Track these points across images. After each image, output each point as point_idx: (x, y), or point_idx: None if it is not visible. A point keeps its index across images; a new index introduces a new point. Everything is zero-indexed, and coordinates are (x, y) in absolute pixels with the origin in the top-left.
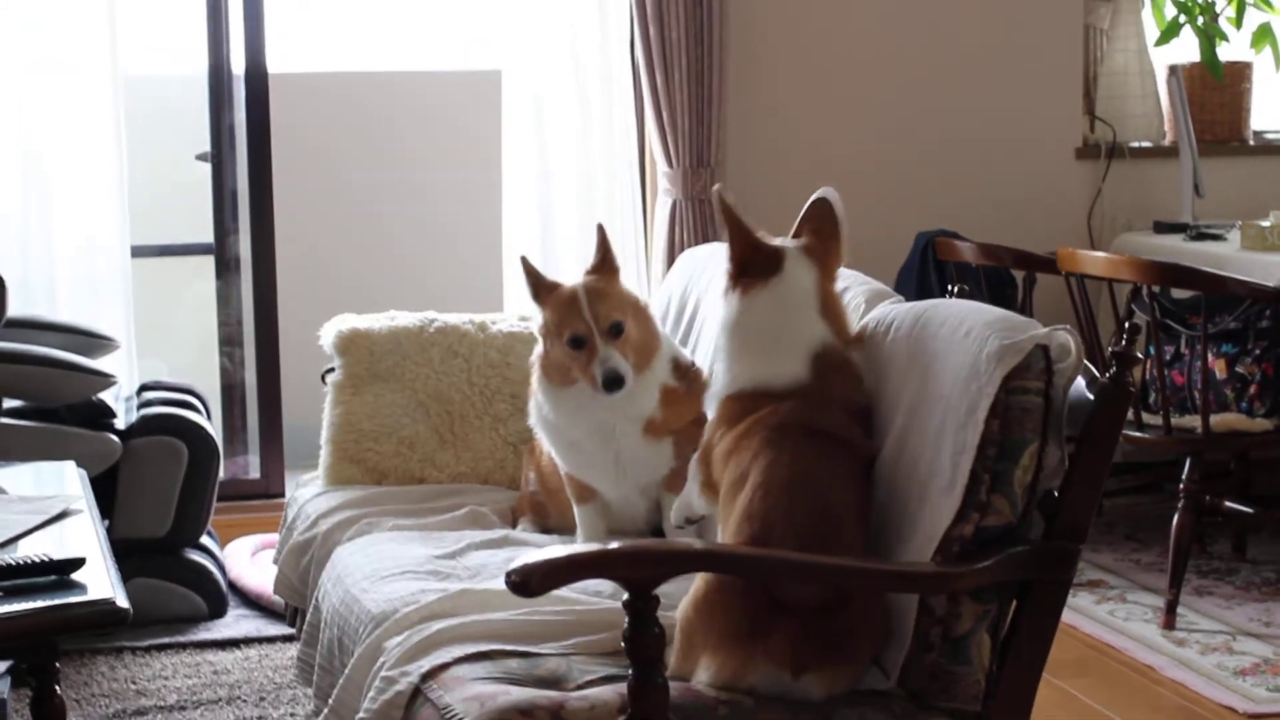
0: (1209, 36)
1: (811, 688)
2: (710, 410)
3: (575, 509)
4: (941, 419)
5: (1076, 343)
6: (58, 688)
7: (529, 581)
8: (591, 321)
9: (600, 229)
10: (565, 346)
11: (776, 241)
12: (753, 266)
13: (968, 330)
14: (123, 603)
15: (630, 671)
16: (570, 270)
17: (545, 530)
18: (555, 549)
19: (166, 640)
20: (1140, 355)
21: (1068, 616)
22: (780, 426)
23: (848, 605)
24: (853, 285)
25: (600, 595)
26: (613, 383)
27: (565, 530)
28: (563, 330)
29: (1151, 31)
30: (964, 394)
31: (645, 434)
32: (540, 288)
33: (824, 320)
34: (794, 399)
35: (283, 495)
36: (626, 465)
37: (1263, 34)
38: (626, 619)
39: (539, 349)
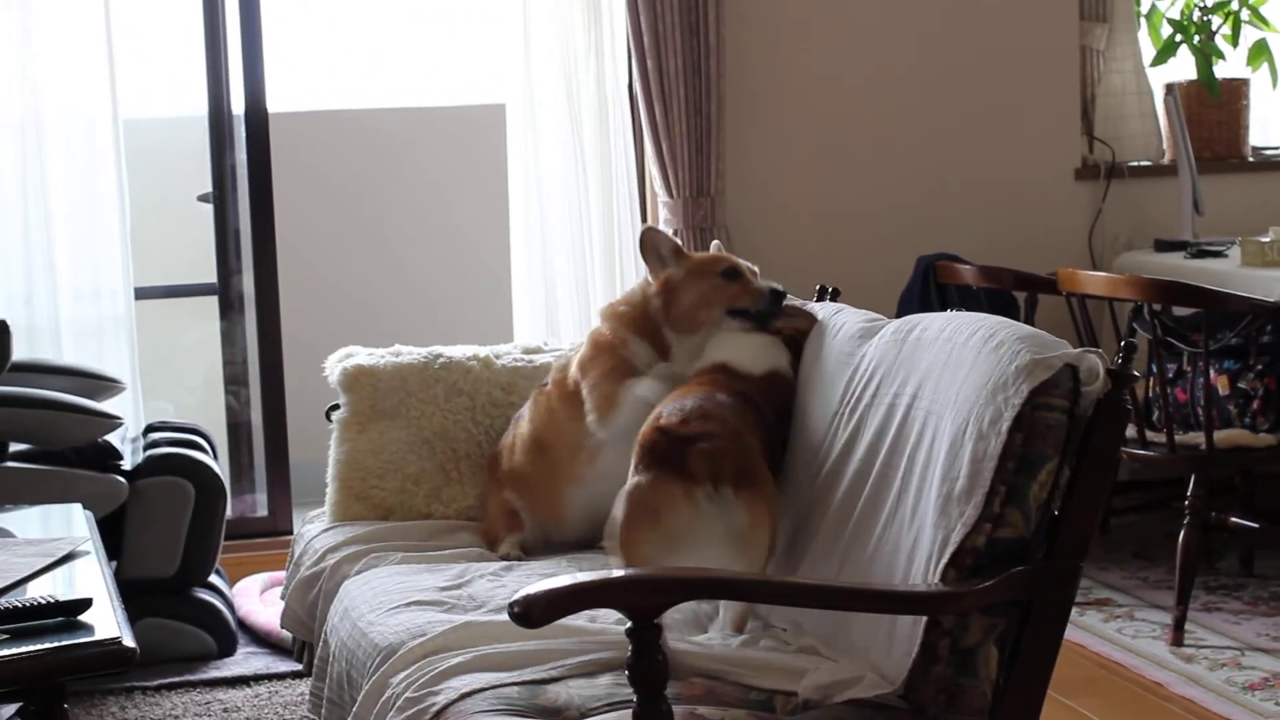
0: (1205, 55)
1: (734, 507)
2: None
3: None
4: (963, 425)
5: (1106, 367)
6: None
7: (531, 612)
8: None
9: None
10: (717, 278)
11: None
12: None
13: (999, 342)
14: (129, 643)
15: (634, 699)
16: (569, 302)
17: (525, 547)
18: (558, 578)
19: (176, 679)
20: (1136, 373)
21: (1076, 635)
22: (709, 371)
23: (741, 442)
24: (848, 318)
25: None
26: (779, 296)
27: (545, 541)
28: (717, 265)
29: (1148, 51)
30: (989, 403)
31: None
32: (676, 247)
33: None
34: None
35: (290, 533)
36: None
37: (1259, 51)
38: (630, 647)
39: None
